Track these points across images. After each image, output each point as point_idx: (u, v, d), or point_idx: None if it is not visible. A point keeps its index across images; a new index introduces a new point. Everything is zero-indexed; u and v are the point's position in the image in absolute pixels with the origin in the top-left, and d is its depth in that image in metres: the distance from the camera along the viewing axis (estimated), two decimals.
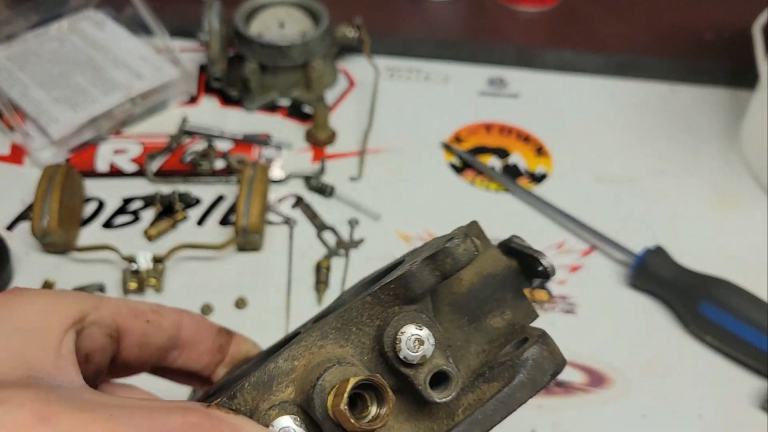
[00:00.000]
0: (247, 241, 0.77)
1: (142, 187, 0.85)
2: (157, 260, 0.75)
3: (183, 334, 0.41)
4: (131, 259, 0.75)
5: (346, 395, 0.28)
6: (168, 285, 0.76)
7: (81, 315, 0.35)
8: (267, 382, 0.31)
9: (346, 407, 0.28)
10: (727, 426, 0.70)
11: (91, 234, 0.80)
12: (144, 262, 0.75)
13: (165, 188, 0.84)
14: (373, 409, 0.29)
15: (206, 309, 0.74)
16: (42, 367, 0.30)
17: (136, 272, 0.74)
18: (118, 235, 0.80)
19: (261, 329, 0.73)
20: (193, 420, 0.27)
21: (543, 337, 0.35)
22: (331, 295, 0.76)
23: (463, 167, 0.92)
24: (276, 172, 0.88)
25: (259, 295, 0.76)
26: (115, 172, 0.87)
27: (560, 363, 0.34)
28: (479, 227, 0.39)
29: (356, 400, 0.29)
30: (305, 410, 0.30)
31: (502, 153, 0.94)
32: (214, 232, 0.82)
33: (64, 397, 0.27)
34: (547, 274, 0.37)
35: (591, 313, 0.78)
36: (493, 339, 0.36)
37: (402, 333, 0.31)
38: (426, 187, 0.89)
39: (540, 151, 0.94)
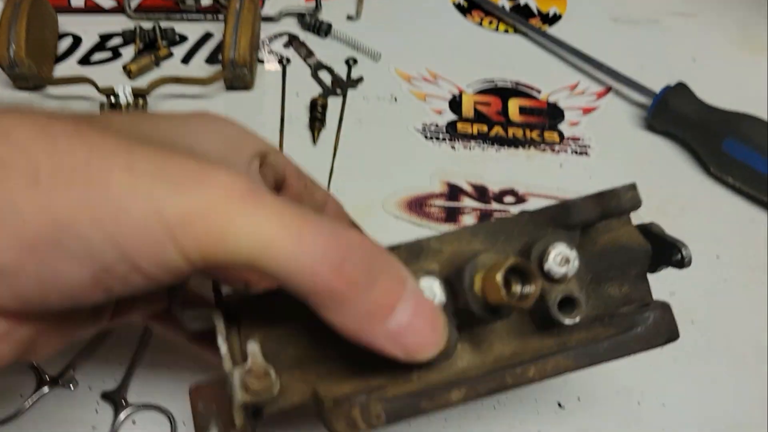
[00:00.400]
0: (236, 76, 0.71)
1: (121, 23, 0.78)
2: (138, 94, 0.69)
3: (325, 212, 0.43)
4: (110, 93, 0.69)
5: (503, 269, 0.30)
6: None
7: (264, 151, 0.39)
8: (417, 252, 0.34)
9: (501, 280, 0.30)
10: (747, 267, 0.66)
11: (66, 70, 0.74)
12: (124, 96, 0.69)
13: (146, 24, 0.77)
14: (519, 288, 0.31)
15: None
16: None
17: (115, 106, 0.68)
18: (96, 72, 0.74)
19: None
20: (364, 242, 0.28)
21: (665, 306, 0.38)
22: (327, 136, 0.71)
23: (469, 8, 0.85)
24: (267, 8, 0.80)
25: None
26: (91, 8, 0.80)
27: (674, 333, 0.37)
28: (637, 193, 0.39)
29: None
30: (448, 283, 0.33)
31: None
32: (201, 70, 0.76)
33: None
34: (683, 264, 0.40)
35: (604, 156, 0.73)
36: (607, 302, 0.38)
37: (553, 247, 0.34)
38: (429, 29, 0.82)
39: None
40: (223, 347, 0.33)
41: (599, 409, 0.57)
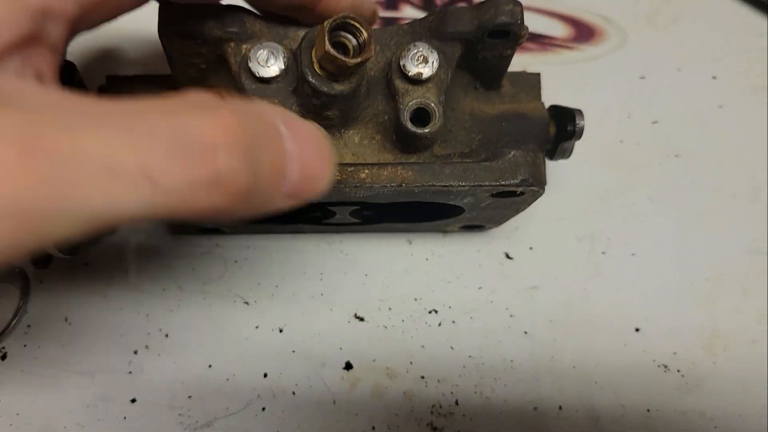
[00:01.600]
0: None
1: None
2: None
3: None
4: None
5: (332, 22, 0.30)
6: None
7: None
8: (283, 35, 0.36)
9: (327, 27, 0.30)
10: (746, 90, 0.54)
11: None
12: None
13: None
14: (353, 42, 0.32)
15: None
16: None
17: None
18: None
19: None
20: (228, 121, 0.21)
21: (535, 151, 0.37)
22: None
23: None
24: None
25: None
26: None
27: (538, 179, 0.36)
28: (539, 80, 0.41)
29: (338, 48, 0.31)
30: (293, 55, 0.34)
31: None
32: None
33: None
34: (573, 134, 0.39)
35: None
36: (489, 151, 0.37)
37: (414, 46, 0.35)
38: None
39: None
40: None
41: (556, 260, 0.47)
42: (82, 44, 0.48)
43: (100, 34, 0.49)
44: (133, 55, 0.49)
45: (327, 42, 0.30)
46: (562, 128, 0.40)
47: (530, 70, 0.52)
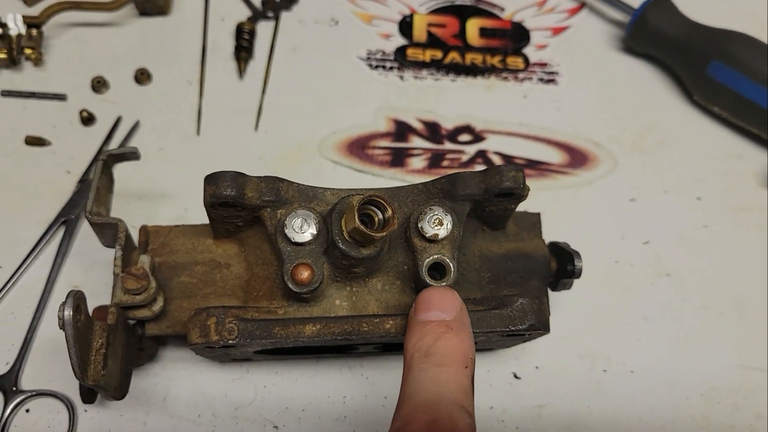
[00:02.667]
0: None
1: None
2: (32, 24, 0.59)
3: None
4: None
5: (361, 199, 0.35)
6: (52, 57, 0.61)
7: None
8: (310, 197, 0.40)
9: (356, 205, 0.35)
10: (730, 210, 0.59)
11: None
12: (15, 26, 0.59)
13: None
14: (379, 216, 0.37)
15: (98, 83, 0.59)
16: None
17: (4, 38, 0.58)
18: None
19: (169, 107, 0.59)
20: None
21: (540, 297, 0.44)
22: (256, 67, 0.62)
23: None
24: None
25: (167, 66, 0.61)
26: None
27: (543, 323, 0.40)
28: (539, 219, 0.47)
29: (365, 221, 0.36)
30: (324, 220, 0.39)
31: None
32: None
33: None
34: (573, 274, 0.45)
35: (575, 83, 0.64)
36: (499, 300, 0.41)
37: (430, 209, 0.40)
38: None
39: None
40: (118, 251, 0.42)
41: (560, 378, 0.51)
42: (125, 193, 0.53)
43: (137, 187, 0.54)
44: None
45: (356, 219, 0.35)
46: (563, 266, 0.45)
47: (530, 195, 0.57)
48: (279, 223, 0.39)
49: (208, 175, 0.39)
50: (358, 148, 0.59)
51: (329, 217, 0.38)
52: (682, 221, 0.58)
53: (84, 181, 0.55)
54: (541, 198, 0.57)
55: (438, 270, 0.39)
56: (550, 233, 0.49)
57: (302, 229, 0.39)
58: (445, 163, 0.59)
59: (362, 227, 0.35)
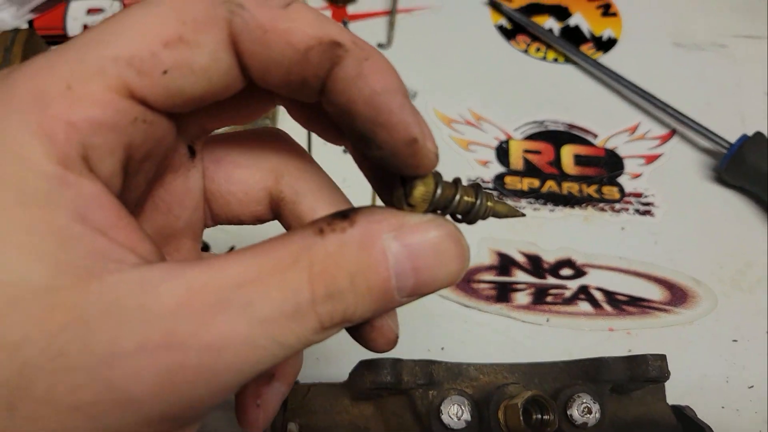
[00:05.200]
0: None
1: None
2: None
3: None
4: None
5: (524, 398, 0.37)
6: None
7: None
8: (456, 373, 0.41)
9: (521, 407, 0.36)
10: None
11: None
12: None
13: None
14: (537, 417, 0.38)
15: None
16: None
17: None
18: None
19: None
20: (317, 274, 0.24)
21: None
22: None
23: (513, 31, 0.75)
24: None
25: None
26: None
27: None
28: (663, 386, 0.46)
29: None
30: (476, 404, 0.40)
31: (561, 13, 0.77)
32: None
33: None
34: None
35: (671, 215, 0.65)
36: None
37: (579, 396, 0.39)
38: (469, 57, 0.73)
39: (607, 9, 0.77)
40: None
41: None
42: None
43: None
44: None
45: (521, 418, 0.36)
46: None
47: (633, 333, 0.58)
48: (432, 406, 0.40)
49: (366, 362, 0.40)
50: (465, 281, 0.60)
51: (486, 407, 0.39)
52: None
53: None
54: (643, 337, 0.58)
55: None
56: None
57: (458, 416, 0.40)
58: (549, 298, 0.60)
59: (525, 425, 0.36)
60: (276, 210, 0.33)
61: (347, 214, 0.25)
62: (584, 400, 0.41)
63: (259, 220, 0.33)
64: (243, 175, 0.32)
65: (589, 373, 0.42)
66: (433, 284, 0.25)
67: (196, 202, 0.31)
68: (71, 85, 0.23)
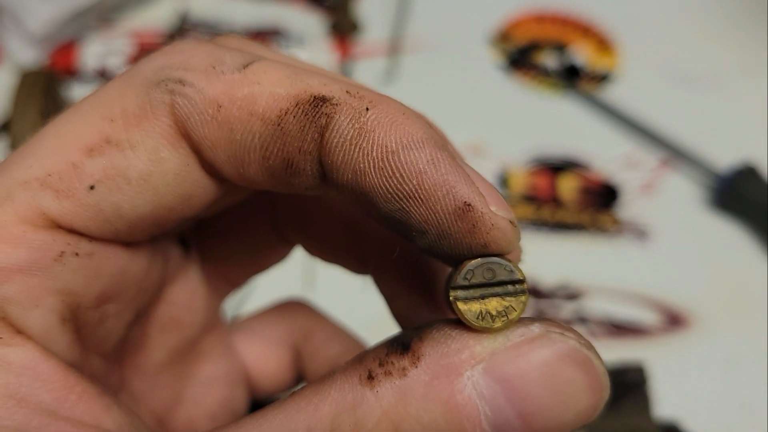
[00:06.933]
0: None
1: None
2: None
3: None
4: None
5: None
6: None
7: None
8: None
9: None
10: None
11: None
12: None
13: None
14: None
15: None
16: None
17: None
18: None
19: None
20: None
21: None
22: None
23: (513, 67, 0.78)
24: None
25: None
26: (104, 75, 0.74)
27: None
28: (643, 381, 0.50)
29: None
30: None
31: (559, 48, 0.80)
32: None
33: None
34: None
35: (666, 241, 0.67)
36: None
37: None
38: (470, 93, 0.76)
39: (604, 44, 0.80)
40: None
41: None
42: None
43: None
44: None
45: None
46: None
47: (628, 356, 0.59)
48: None
49: None
50: None
51: None
52: None
53: None
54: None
55: None
56: None
57: None
58: None
59: None
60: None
61: (408, 344, 0.17)
62: None
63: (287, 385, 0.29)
64: (266, 355, 0.28)
65: None
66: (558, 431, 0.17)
67: (206, 300, 0.26)
68: None
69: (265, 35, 0.78)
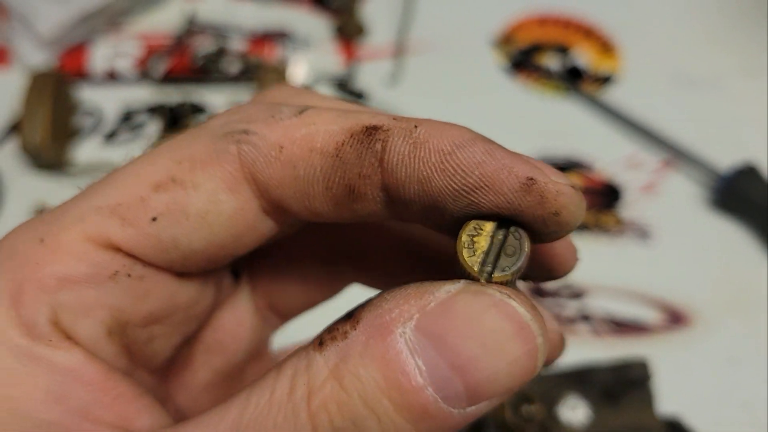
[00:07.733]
0: None
1: (145, 95, 0.74)
2: None
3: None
4: None
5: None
6: None
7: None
8: None
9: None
10: None
11: (88, 150, 0.70)
12: None
13: (172, 95, 0.73)
14: (525, 409, 0.45)
15: None
16: None
17: None
18: (120, 153, 0.69)
19: None
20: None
21: None
22: None
23: (516, 69, 0.79)
24: (298, 75, 0.76)
25: None
26: (113, 77, 0.75)
27: None
28: (647, 377, 0.52)
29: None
30: None
31: (562, 50, 0.81)
32: None
33: None
34: None
35: (667, 240, 0.67)
36: None
37: (566, 396, 0.45)
38: (474, 95, 0.77)
39: (606, 47, 0.81)
40: None
41: None
42: None
43: None
44: None
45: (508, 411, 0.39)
46: None
47: (630, 354, 0.60)
48: None
49: None
50: None
51: None
52: None
53: None
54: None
55: None
56: None
57: None
58: None
59: (513, 416, 0.39)
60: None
61: (352, 312, 0.19)
62: (571, 399, 0.43)
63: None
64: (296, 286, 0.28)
65: (579, 380, 0.44)
66: (497, 382, 0.17)
67: (252, 329, 0.27)
68: (44, 238, 0.20)
69: (272, 38, 0.79)
